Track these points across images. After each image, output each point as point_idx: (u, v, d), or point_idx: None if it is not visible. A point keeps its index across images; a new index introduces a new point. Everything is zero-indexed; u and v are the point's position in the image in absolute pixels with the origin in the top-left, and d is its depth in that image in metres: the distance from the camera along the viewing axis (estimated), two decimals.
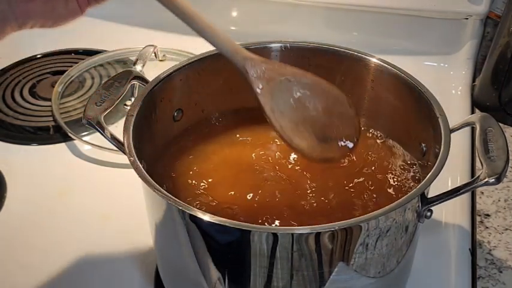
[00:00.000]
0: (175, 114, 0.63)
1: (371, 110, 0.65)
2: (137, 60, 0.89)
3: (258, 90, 0.55)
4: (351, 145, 0.57)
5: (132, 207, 0.64)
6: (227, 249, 0.49)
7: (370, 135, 0.66)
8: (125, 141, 0.52)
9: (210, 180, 0.60)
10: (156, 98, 0.60)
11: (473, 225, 0.68)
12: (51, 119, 0.85)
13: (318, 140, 0.56)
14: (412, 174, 0.61)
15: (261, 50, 0.65)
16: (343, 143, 0.57)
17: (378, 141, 0.65)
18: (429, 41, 0.96)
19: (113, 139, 0.56)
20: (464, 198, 0.70)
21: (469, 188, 0.51)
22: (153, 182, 0.48)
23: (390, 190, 0.59)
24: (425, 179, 0.49)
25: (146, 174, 0.49)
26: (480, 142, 0.52)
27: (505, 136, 0.53)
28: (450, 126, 0.54)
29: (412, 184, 0.60)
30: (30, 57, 0.99)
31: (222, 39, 0.54)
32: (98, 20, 1.01)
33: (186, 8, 0.52)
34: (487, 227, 0.68)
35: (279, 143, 0.65)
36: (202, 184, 0.60)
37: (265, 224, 0.54)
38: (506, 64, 0.80)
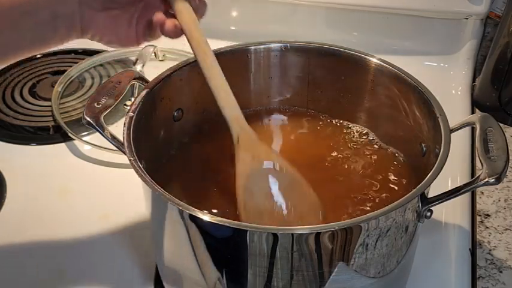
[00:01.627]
0: (175, 114, 0.63)
1: (371, 110, 0.65)
2: (137, 60, 0.89)
3: (240, 159, 0.55)
4: None
5: (132, 207, 0.64)
6: (227, 249, 0.49)
7: (370, 135, 0.66)
8: (125, 141, 0.52)
9: (210, 180, 0.60)
10: (156, 98, 0.60)
11: (473, 225, 0.68)
12: (51, 119, 0.85)
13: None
14: (409, 174, 0.61)
15: (261, 50, 0.65)
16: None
17: (376, 142, 0.65)
18: (429, 41, 0.96)
19: (113, 139, 0.56)
20: (464, 198, 0.70)
21: (469, 188, 0.51)
22: (153, 182, 0.48)
23: (388, 190, 0.59)
24: (426, 179, 0.48)
25: (146, 174, 0.49)
26: (480, 142, 0.52)
27: (505, 136, 0.53)
28: (450, 126, 0.54)
29: (410, 186, 0.60)
30: (30, 57, 0.99)
31: (228, 102, 0.56)
32: None
33: (206, 58, 0.55)
34: (487, 227, 0.68)
35: (279, 144, 0.65)
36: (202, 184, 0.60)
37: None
38: (506, 64, 0.80)
